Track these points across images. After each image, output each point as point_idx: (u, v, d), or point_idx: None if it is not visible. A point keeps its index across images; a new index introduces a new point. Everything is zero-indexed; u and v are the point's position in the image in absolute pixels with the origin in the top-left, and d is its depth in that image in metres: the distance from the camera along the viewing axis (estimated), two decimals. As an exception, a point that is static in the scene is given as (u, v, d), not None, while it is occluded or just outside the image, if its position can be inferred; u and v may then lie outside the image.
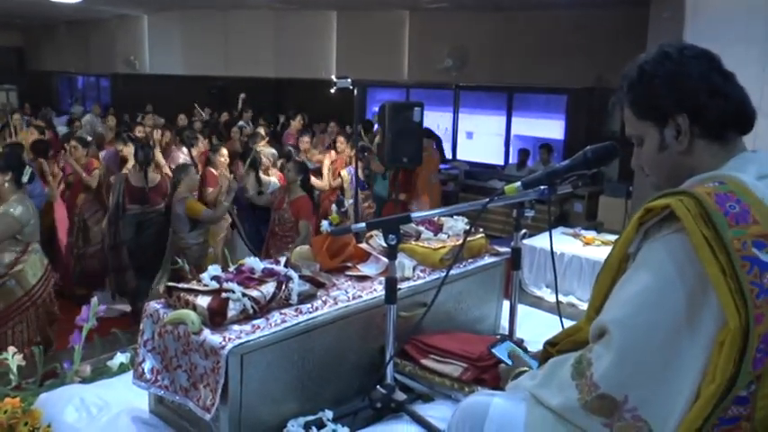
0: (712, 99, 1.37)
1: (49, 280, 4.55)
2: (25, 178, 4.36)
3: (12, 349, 2.43)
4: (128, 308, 6.30)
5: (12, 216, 4.24)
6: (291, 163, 6.36)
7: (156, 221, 6.32)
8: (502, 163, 11.99)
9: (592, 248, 5.99)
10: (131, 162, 6.83)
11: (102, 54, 17.09)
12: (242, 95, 12.71)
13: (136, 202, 6.31)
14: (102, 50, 17.03)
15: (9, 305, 4.31)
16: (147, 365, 1.96)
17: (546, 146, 10.21)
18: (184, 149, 8.12)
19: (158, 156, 7.35)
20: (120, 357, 2.49)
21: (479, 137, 12.76)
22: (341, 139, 8.19)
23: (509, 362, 1.89)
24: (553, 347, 1.62)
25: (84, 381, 2.37)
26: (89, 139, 8.17)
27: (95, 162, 7.11)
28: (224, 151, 6.94)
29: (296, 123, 10.78)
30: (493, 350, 1.96)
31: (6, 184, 4.31)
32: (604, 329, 1.33)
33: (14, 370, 2.37)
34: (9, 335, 4.27)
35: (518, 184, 1.85)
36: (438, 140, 9.67)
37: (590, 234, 6.34)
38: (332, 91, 6.33)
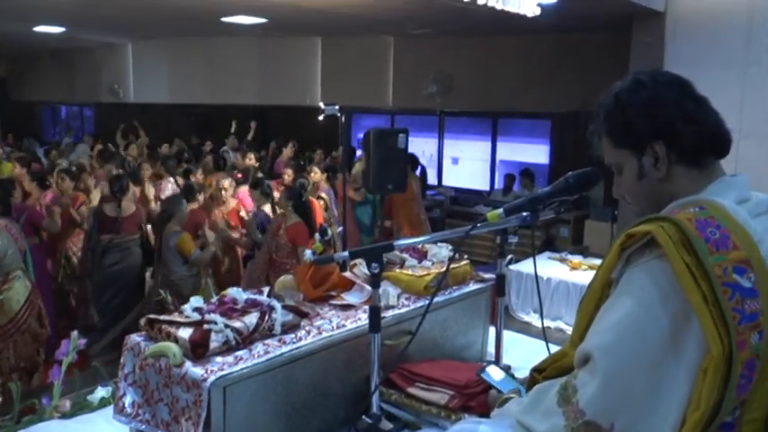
0: (687, 125, 1.39)
1: (34, 304, 4.58)
2: None
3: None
4: None
5: None
6: (283, 189, 6.42)
7: (130, 251, 6.31)
8: (488, 188, 12.05)
9: (579, 273, 6.02)
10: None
11: (86, 83, 17.09)
12: (253, 123, 12.77)
13: (108, 231, 6.27)
14: (87, 80, 17.04)
15: None
16: (127, 399, 1.94)
17: (526, 171, 10.29)
18: (171, 180, 8.13)
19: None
20: (101, 392, 2.46)
21: (465, 162, 12.83)
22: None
23: (499, 386, 1.88)
24: (539, 374, 1.62)
25: (64, 416, 2.34)
26: (73, 169, 8.16)
27: (81, 196, 7.05)
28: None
29: (287, 151, 10.78)
30: (482, 375, 1.96)
31: None
32: (589, 356, 1.33)
33: (-9, 406, 2.34)
34: None
35: (500, 210, 1.86)
36: (417, 166, 9.69)
37: (576, 258, 6.37)
38: (320, 118, 6.37)
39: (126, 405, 1.94)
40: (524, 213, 1.93)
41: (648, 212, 1.42)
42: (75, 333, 2.47)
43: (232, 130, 12.78)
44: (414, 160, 9.56)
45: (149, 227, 6.78)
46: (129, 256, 6.28)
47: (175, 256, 5.96)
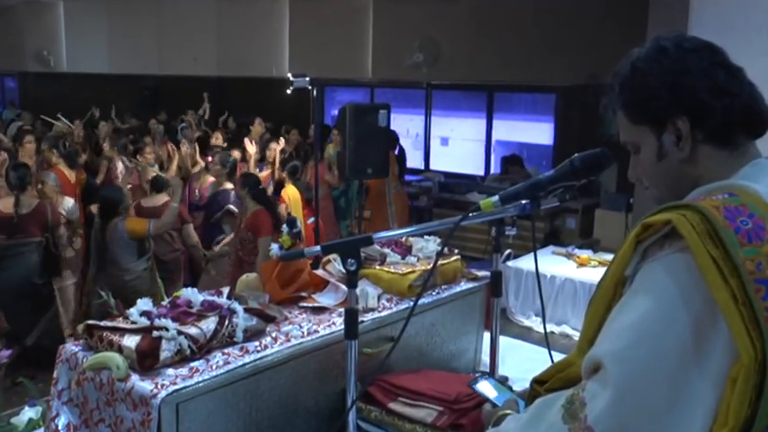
0: (716, 98, 1.39)
1: None
2: None
3: None
4: None
5: None
6: (237, 176, 6.41)
7: (26, 257, 6.10)
8: (482, 173, 12.09)
9: (587, 270, 6.05)
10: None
11: (7, 48, 16.84)
12: (206, 94, 12.72)
13: (2, 232, 6.05)
14: (8, 44, 16.79)
15: None
16: (61, 421, 1.93)
17: (513, 158, 10.32)
18: (124, 159, 8.19)
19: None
20: (29, 412, 2.43)
21: (456, 143, 12.85)
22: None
23: (494, 399, 1.89)
24: (541, 386, 1.62)
25: (-18, 443, 2.31)
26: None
27: None
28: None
29: (256, 128, 10.73)
30: (474, 387, 1.96)
31: None
32: (599, 364, 1.33)
33: None
34: None
35: (495, 198, 1.86)
36: (395, 146, 9.73)
37: (585, 254, 6.41)
38: (288, 92, 6.37)
39: (59, 427, 1.93)
40: (523, 201, 1.93)
41: (669, 199, 1.43)
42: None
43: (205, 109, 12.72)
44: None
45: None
46: (19, 264, 6.05)
47: (128, 247, 5.86)
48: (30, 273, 6.07)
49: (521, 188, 1.90)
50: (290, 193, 7.28)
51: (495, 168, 11.78)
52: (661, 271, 1.31)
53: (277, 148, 8.23)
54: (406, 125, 12.55)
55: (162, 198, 6.56)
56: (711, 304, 1.23)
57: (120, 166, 8.19)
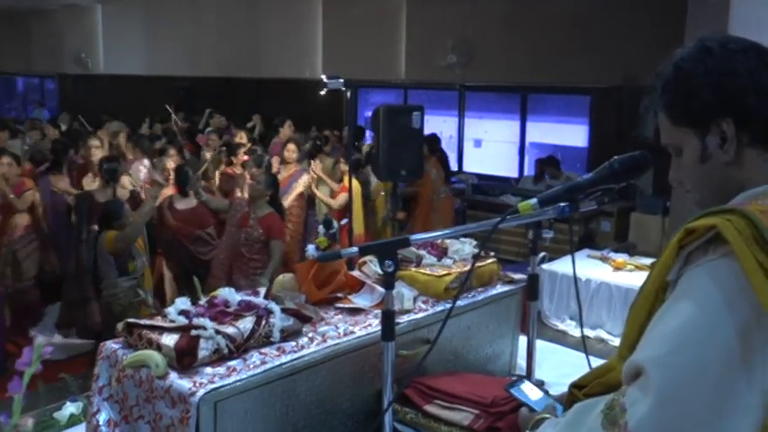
0: (763, 100, 1.37)
1: None
2: None
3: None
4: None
5: None
6: (262, 175, 6.41)
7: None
8: (516, 175, 12.04)
9: (623, 274, 5.99)
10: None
11: (47, 51, 17.13)
12: (256, 116, 12.83)
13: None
14: (48, 47, 17.08)
15: None
16: (102, 417, 1.95)
17: (551, 159, 10.28)
18: (146, 161, 8.21)
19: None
20: (71, 408, 2.47)
21: (489, 145, 12.82)
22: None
23: (532, 403, 1.88)
24: (579, 391, 1.61)
25: (26, 437, 2.34)
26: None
27: (27, 182, 7.13)
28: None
29: (285, 130, 10.76)
30: (512, 390, 1.95)
31: None
32: (640, 370, 1.31)
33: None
34: None
35: (534, 200, 1.85)
36: (440, 152, 9.73)
37: (620, 257, 6.34)
38: (321, 93, 6.41)
39: (100, 423, 1.95)
40: (562, 204, 1.92)
41: (711, 203, 1.41)
42: (39, 339, 2.47)
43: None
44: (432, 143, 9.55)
45: None
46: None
47: (108, 262, 5.87)
48: None
49: (559, 191, 1.89)
50: (354, 184, 7.30)
51: (528, 170, 11.72)
52: (705, 276, 1.29)
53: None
54: (439, 127, 12.53)
55: (191, 201, 6.68)
56: (758, 311, 1.21)
57: (141, 168, 8.18)
